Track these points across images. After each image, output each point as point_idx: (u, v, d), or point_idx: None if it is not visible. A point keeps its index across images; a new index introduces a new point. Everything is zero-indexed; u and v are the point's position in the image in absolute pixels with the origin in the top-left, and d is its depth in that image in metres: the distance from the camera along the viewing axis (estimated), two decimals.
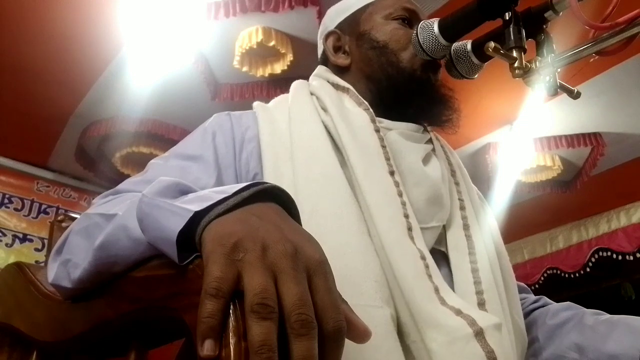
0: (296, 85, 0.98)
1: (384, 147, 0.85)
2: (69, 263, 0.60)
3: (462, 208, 0.90)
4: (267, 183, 0.50)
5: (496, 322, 0.71)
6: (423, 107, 0.94)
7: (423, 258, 0.75)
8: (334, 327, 0.40)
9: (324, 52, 1.05)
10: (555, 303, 1.02)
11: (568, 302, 0.99)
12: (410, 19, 1.00)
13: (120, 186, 0.77)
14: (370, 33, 0.99)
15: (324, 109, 0.89)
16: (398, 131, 0.90)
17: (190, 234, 0.46)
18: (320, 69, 1.03)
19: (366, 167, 0.81)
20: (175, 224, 0.46)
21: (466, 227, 0.87)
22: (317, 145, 0.83)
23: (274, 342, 0.37)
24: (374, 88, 0.96)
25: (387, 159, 0.84)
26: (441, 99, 0.95)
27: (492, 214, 1.00)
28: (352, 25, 1.02)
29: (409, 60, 0.95)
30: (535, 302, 1.03)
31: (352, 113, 0.89)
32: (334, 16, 1.06)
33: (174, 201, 0.50)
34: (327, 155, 0.82)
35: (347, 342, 0.42)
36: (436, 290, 0.72)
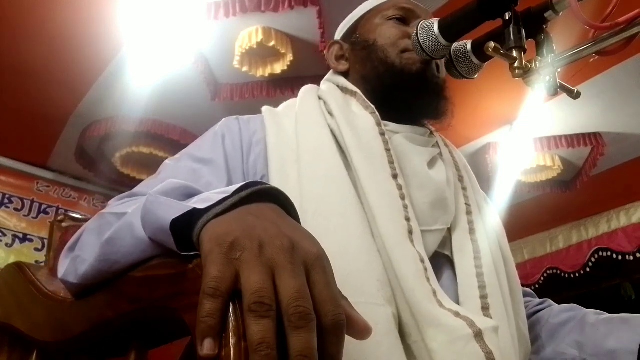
0: (305, 90, 1.00)
1: (388, 150, 0.86)
2: (77, 259, 0.61)
3: (469, 213, 0.90)
4: (265, 184, 0.51)
5: (494, 325, 0.72)
6: (411, 100, 0.94)
7: (422, 261, 0.75)
8: (333, 320, 0.40)
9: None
10: (558, 305, 1.03)
11: (571, 304, 1.00)
12: (405, 17, 1.01)
13: (136, 189, 0.79)
14: (363, 35, 1.01)
15: (330, 113, 0.90)
16: (403, 135, 0.91)
17: (190, 235, 0.46)
18: (331, 74, 1.06)
19: (369, 170, 0.81)
20: (170, 215, 0.47)
21: (472, 231, 0.88)
22: (322, 148, 0.85)
23: (273, 340, 0.37)
24: (370, 89, 0.97)
25: (391, 162, 0.85)
26: (429, 88, 0.95)
27: (498, 218, 1.00)
28: (351, 33, 1.06)
29: (397, 55, 0.95)
30: (539, 304, 1.04)
31: (358, 117, 0.90)
32: (340, 30, 1.11)
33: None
34: (332, 158, 0.83)
35: (349, 340, 0.42)
36: (434, 293, 0.73)
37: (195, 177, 0.79)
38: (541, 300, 1.05)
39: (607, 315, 0.93)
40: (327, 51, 1.07)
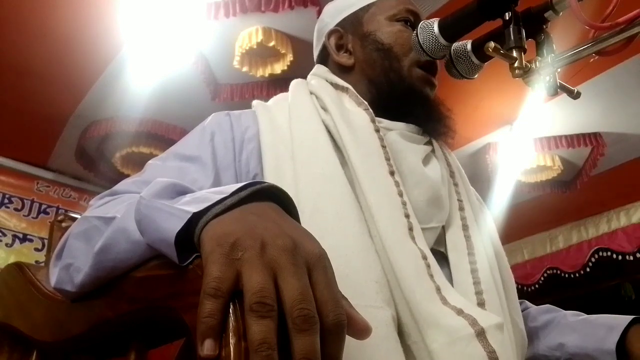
0: (295, 84, 0.98)
1: (384, 147, 0.85)
2: (70, 267, 0.60)
3: (461, 209, 0.90)
4: (265, 182, 0.50)
5: (498, 322, 0.71)
6: (421, 119, 0.95)
7: (424, 258, 0.75)
8: (334, 320, 0.40)
9: (323, 49, 1.05)
10: (535, 306, 1.06)
11: (547, 305, 1.04)
12: (413, 21, 1.00)
13: (117, 187, 0.77)
14: (375, 34, 0.98)
15: (324, 109, 0.89)
16: (398, 132, 0.91)
17: (190, 235, 0.46)
18: (319, 69, 1.03)
19: (367, 167, 0.81)
20: (173, 226, 0.46)
21: (465, 227, 0.88)
22: (317, 145, 0.83)
23: (274, 340, 0.37)
24: (374, 90, 0.96)
25: (387, 159, 0.84)
26: (438, 117, 0.96)
27: (490, 215, 1.01)
28: (355, 24, 1.02)
29: (410, 67, 0.95)
30: None
31: (352, 113, 0.89)
32: (335, 13, 1.06)
33: (172, 202, 0.50)
34: (328, 155, 0.82)
35: (348, 343, 0.42)
36: (438, 289, 0.73)
37: (180, 176, 0.77)
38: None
39: (585, 316, 0.96)
40: (327, 39, 1.03)
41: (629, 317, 0.89)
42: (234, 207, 0.47)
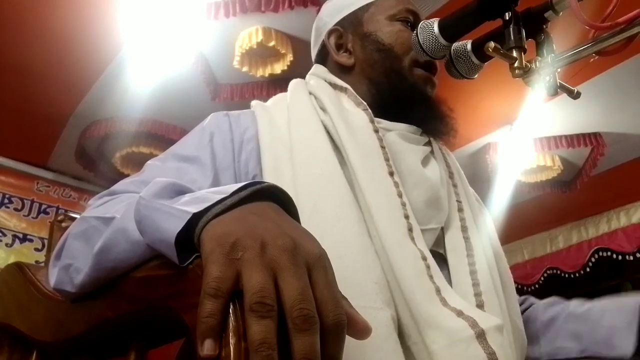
0: (294, 84, 0.98)
1: (383, 147, 0.85)
2: (70, 268, 0.59)
3: (460, 210, 0.90)
4: (265, 182, 0.50)
5: (498, 324, 0.71)
6: (422, 119, 0.95)
7: (424, 259, 0.75)
8: (334, 320, 0.40)
9: (322, 48, 1.04)
10: (540, 301, 1.04)
11: (553, 297, 1.02)
12: (413, 21, 1.00)
13: (116, 187, 0.77)
14: (375, 34, 0.98)
15: (323, 109, 0.89)
16: (397, 132, 0.91)
17: (190, 235, 0.46)
18: (318, 68, 1.03)
19: (366, 168, 0.81)
20: (173, 226, 0.46)
21: (464, 229, 0.87)
22: (316, 145, 0.83)
23: (274, 340, 0.37)
24: (375, 91, 0.96)
25: (387, 159, 0.84)
26: (440, 116, 0.96)
27: (489, 216, 1.01)
28: (355, 24, 1.02)
29: (410, 67, 0.96)
30: (521, 303, 1.04)
31: (351, 113, 0.89)
32: (334, 12, 1.05)
33: (172, 202, 0.50)
34: (327, 155, 0.82)
35: (348, 343, 0.42)
36: (438, 291, 0.73)
37: (179, 176, 0.77)
38: (521, 298, 1.05)
39: (591, 302, 0.95)
40: (327, 39, 1.03)
41: (637, 313, 0.86)
42: (234, 207, 0.47)
